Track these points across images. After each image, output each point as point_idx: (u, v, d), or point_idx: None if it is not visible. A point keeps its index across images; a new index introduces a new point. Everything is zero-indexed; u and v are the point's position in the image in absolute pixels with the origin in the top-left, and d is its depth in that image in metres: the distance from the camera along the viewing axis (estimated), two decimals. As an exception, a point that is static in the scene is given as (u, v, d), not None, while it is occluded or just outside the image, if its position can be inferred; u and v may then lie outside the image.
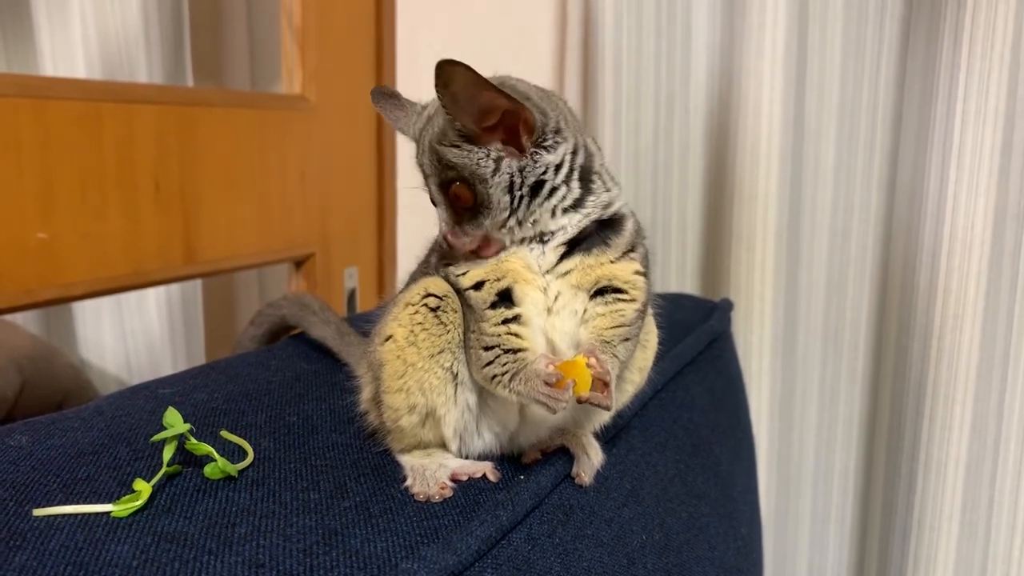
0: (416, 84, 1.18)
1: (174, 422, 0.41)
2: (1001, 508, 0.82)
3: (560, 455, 0.46)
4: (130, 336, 1.31)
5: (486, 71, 0.42)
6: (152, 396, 0.54)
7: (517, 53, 1.08)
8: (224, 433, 0.45)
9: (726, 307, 0.76)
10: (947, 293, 0.80)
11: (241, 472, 0.42)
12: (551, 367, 0.40)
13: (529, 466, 0.44)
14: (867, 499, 0.93)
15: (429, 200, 0.46)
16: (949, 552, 0.83)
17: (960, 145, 0.78)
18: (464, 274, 0.44)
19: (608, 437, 0.49)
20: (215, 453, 0.40)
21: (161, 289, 1.25)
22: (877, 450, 0.92)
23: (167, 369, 1.25)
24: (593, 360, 0.41)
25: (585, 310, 0.43)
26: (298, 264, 1.11)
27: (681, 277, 0.98)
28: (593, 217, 0.44)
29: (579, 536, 0.43)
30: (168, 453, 0.40)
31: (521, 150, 0.43)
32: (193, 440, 0.41)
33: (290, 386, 0.56)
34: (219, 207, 0.96)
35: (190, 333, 1.26)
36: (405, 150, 1.20)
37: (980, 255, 0.78)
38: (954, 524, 0.82)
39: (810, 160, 0.90)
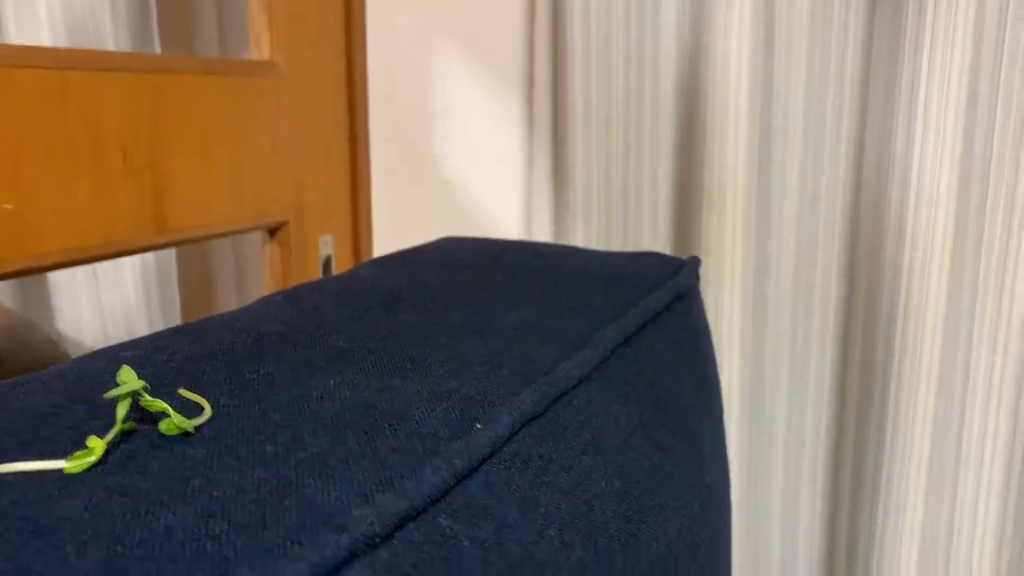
0: (387, 50, 1.17)
1: (128, 379, 0.41)
2: (968, 461, 0.83)
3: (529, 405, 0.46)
4: (107, 308, 1.31)
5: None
6: (114, 359, 0.54)
7: (486, 8, 1.07)
8: (182, 391, 0.45)
9: (694, 264, 0.77)
10: (914, 250, 0.81)
11: (198, 428, 0.42)
12: None
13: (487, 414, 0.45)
14: (838, 455, 0.95)
15: None
16: (917, 505, 0.84)
17: (926, 102, 0.79)
18: None
19: (568, 388, 0.50)
20: (169, 409, 0.40)
21: (136, 261, 1.25)
22: (848, 406, 0.93)
23: (143, 340, 1.25)
24: None
25: None
26: (272, 232, 1.10)
27: (653, 238, 0.98)
28: None
29: (537, 483, 0.43)
30: (122, 410, 0.40)
31: None
32: (148, 397, 0.41)
33: (252, 346, 0.56)
34: (189, 176, 0.95)
35: (166, 303, 1.26)
36: (378, 117, 1.19)
37: (946, 212, 0.79)
38: (922, 477, 0.84)
39: (779, 120, 0.90)
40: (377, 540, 0.33)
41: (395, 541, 0.35)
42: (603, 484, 0.48)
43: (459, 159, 1.14)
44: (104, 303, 1.30)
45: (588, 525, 0.46)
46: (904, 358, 0.81)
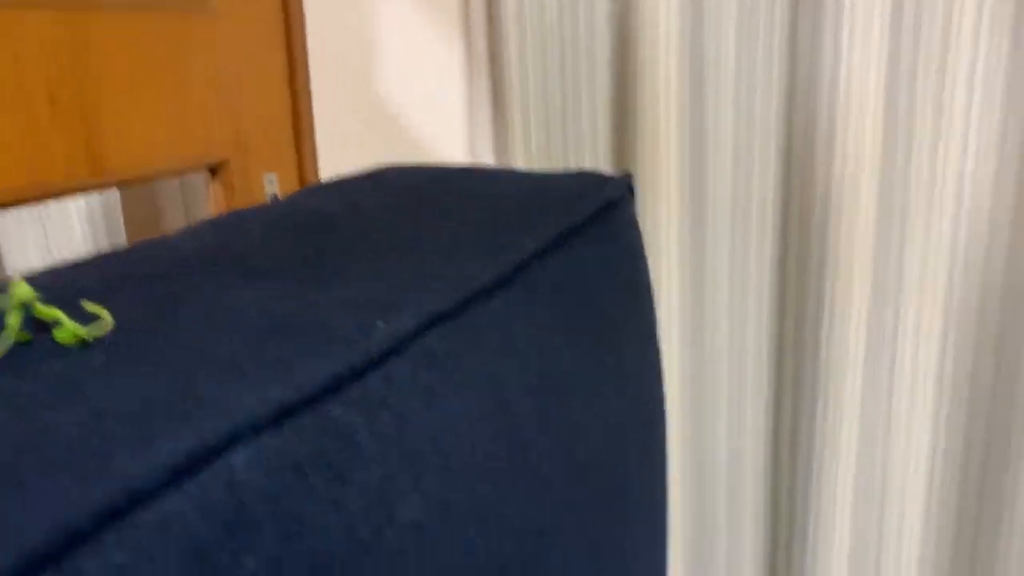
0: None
1: (20, 291, 0.40)
2: (903, 367, 0.85)
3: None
4: (56, 256, 1.30)
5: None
6: (33, 282, 0.53)
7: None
8: (84, 303, 0.44)
9: (624, 177, 0.76)
10: (845, 153, 0.81)
11: (101, 339, 0.42)
12: None
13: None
14: (780, 370, 0.96)
15: None
16: (854, 415, 0.86)
17: (852, 4, 0.78)
18: None
19: (480, 290, 0.50)
20: (63, 316, 0.40)
21: (82, 207, 1.24)
22: (787, 321, 0.94)
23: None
24: None
25: None
26: (213, 171, 1.09)
27: (594, 157, 0.98)
28: None
29: (445, 379, 0.43)
30: (13, 319, 0.39)
31: None
32: (40, 307, 0.41)
33: (172, 266, 0.56)
34: (123, 116, 0.94)
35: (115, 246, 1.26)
36: (317, 51, 1.17)
37: (874, 114, 0.79)
38: (856, 387, 0.85)
39: (711, 33, 0.90)
40: (261, 426, 0.33)
41: (284, 429, 0.35)
42: (520, 384, 0.48)
43: (400, 89, 1.12)
44: (54, 252, 1.29)
45: (503, 421, 0.46)
46: (838, 268, 0.82)
